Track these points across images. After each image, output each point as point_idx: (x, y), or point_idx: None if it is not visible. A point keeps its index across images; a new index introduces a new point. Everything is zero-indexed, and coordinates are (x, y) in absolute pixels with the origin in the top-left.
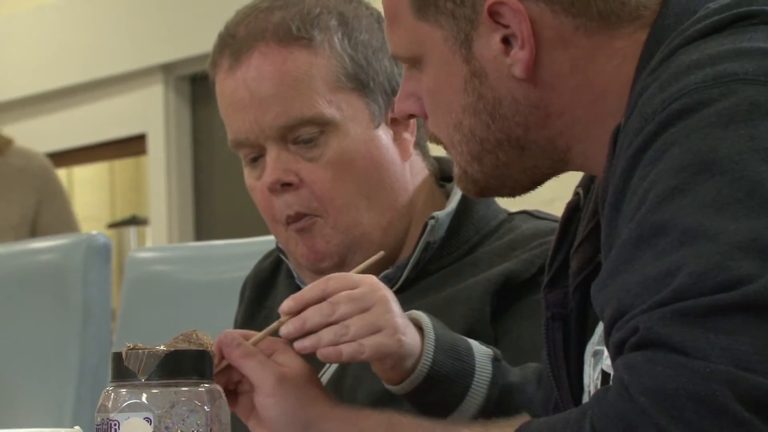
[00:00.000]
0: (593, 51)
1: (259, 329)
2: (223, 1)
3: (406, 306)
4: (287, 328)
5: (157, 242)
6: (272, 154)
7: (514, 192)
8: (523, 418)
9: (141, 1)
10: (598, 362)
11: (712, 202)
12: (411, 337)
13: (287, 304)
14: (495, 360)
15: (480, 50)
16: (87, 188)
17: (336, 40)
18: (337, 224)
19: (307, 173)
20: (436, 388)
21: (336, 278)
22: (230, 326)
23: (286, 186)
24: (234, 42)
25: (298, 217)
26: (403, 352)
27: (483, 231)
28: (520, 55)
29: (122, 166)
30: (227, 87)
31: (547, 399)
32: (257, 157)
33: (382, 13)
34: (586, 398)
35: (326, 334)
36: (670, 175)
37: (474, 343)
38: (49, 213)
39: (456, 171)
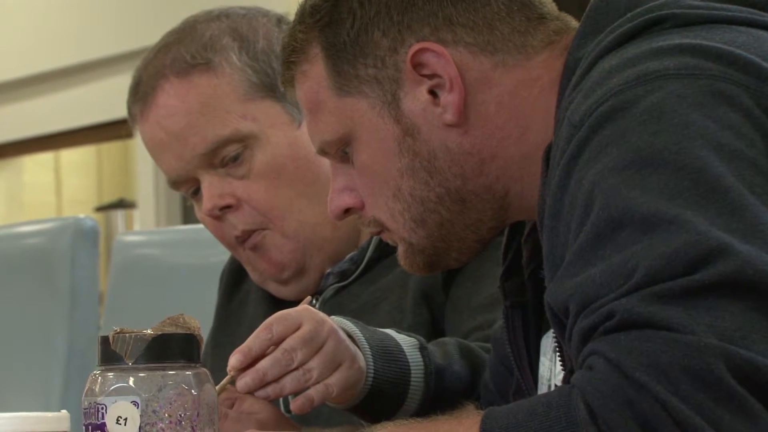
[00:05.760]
0: (515, 86)
1: (235, 311)
2: None
3: (370, 285)
4: (246, 382)
5: (145, 226)
6: (205, 182)
7: (461, 255)
8: (470, 410)
9: None
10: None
11: (661, 193)
12: (361, 358)
13: (237, 359)
14: (422, 349)
15: (408, 106)
16: (74, 171)
17: (233, 56)
18: (285, 231)
19: (242, 191)
20: (381, 395)
21: (278, 321)
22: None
23: (226, 209)
24: (140, 88)
25: (247, 234)
26: (362, 378)
27: None
28: (450, 98)
29: (110, 149)
30: (145, 133)
31: (504, 383)
32: (197, 190)
33: (285, 16)
34: (543, 389)
35: (289, 383)
36: (613, 174)
37: (398, 337)
38: None
39: (400, 251)
